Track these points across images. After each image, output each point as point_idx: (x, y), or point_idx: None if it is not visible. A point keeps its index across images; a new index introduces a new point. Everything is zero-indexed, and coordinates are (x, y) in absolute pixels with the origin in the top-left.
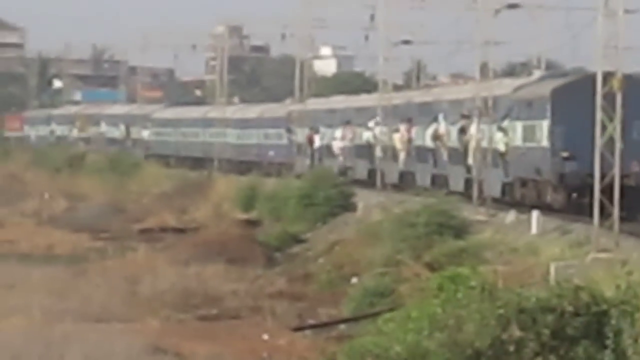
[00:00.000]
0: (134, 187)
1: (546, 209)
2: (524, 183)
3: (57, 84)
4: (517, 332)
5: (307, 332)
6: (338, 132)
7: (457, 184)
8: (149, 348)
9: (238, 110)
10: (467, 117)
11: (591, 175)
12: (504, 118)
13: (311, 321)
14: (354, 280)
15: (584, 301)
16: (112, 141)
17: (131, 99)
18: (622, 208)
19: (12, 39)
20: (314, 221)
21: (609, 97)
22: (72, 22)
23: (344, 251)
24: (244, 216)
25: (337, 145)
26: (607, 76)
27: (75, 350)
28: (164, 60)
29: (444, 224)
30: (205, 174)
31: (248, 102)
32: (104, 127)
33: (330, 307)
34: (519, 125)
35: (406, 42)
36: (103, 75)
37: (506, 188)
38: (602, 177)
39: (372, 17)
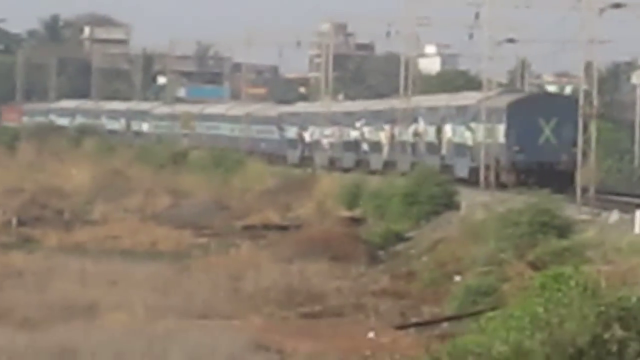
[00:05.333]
0: (237, 184)
1: (501, 186)
2: (486, 168)
3: (162, 80)
4: (619, 332)
5: (411, 330)
6: (327, 131)
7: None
8: (251, 345)
9: (232, 108)
10: (443, 120)
11: (534, 163)
12: (471, 121)
13: (414, 319)
14: (457, 278)
15: None
16: (114, 132)
17: (235, 96)
18: (555, 185)
19: (117, 35)
20: (417, 219)
21: (549, 109)
22: (177, 19)
23: (447, 249)
24: (347, 214)
25: (326, 141)
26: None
27: (178, 346)
28: (269, 57)
29: (548, 223)
30: (309, 171)
31: (353, 99)
32: (104, 120)
33: (433, 305)
34: (482, 127)
35: (511, 40)
36: (207, 72)
37: (472, 171)
38: (544, 165)
39: (477, 16)
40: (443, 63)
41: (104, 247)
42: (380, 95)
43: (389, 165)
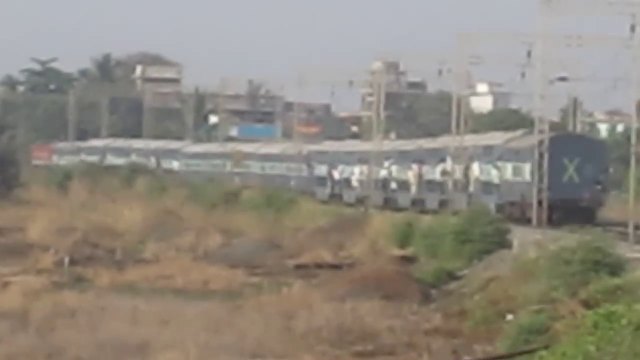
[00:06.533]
0: (289, 223)
1: (526, 222)
2: (512, 204)
3: (213, 119)
4: None
5: None
6: (356, 169)
7: (461, 205)
8: None
9: (261, 147)
10: (471, 159)
11: (558, 200)
12: (497, 160)
13: (467, 358)
14: (510, 317)
15: None
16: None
17: (287, 135)
18: (576, 221)
19: (169, 74)
20: (469, 258)
21: (572, 148)
22: (228, 58)
23: (500, 288)
24: (399, 252)
25: (355, 179)
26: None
27: None
28: (321, 96)
29: (600, 262)
30: (362, 210)
31: (404, 138)
32: (134, 158)
33: (485, 344)
34: (509, 165)
35: (563, 79)
36: (259, 110)
37: (498, 208)
38: (567, 202)
39: (529, 54)
40: (495, 101)
41: (156, 286)
42: (431, 134)
43: (417, 202)
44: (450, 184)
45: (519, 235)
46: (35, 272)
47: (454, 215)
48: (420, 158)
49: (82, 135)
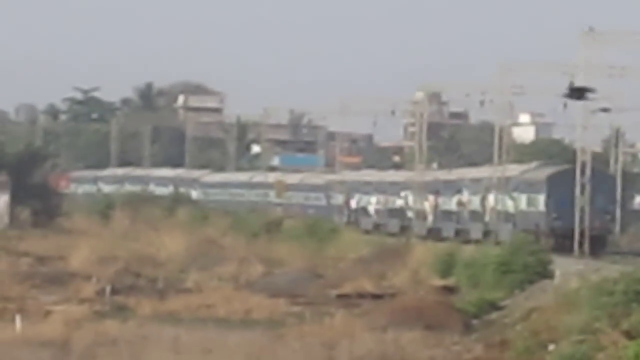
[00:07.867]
0: (331, 253)
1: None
2: (526, 233)
3: (256, 148)
4: None
5: None
6: (373, 198)
7: (477, 234)
8: None
9: (282, 176)
10: (487, 190)
11: (570, 229)
12: (513, 191)
13: None
14: (551, 347)
15: None
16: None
17: (330, 164)
18: (590, 248)
19: (211, 103)
20: (511, 288)
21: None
22: (271, 87)
23: (542, 318)
24: (441, 282)
25: (372, 207)
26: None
27: None
28: (363, 125)
29: None
30: (404, 240)
31: (446, 168)
32: (152, 187)
33: None
34: (524, 196)
35: (605, 109)
36: (301, 140)
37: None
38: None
39: (571, 84)
40: (537, 132)
41: (197, 316)
42: (473, 164)
43: (433, 231)
44: (465, 214)
45: (561, 265)
46: (77, 301)
47: (496, 245)
48: (436, 189)
49: (125, 165)
